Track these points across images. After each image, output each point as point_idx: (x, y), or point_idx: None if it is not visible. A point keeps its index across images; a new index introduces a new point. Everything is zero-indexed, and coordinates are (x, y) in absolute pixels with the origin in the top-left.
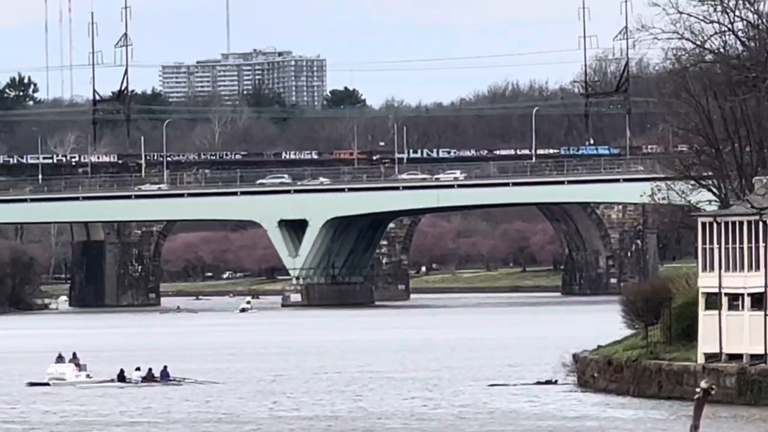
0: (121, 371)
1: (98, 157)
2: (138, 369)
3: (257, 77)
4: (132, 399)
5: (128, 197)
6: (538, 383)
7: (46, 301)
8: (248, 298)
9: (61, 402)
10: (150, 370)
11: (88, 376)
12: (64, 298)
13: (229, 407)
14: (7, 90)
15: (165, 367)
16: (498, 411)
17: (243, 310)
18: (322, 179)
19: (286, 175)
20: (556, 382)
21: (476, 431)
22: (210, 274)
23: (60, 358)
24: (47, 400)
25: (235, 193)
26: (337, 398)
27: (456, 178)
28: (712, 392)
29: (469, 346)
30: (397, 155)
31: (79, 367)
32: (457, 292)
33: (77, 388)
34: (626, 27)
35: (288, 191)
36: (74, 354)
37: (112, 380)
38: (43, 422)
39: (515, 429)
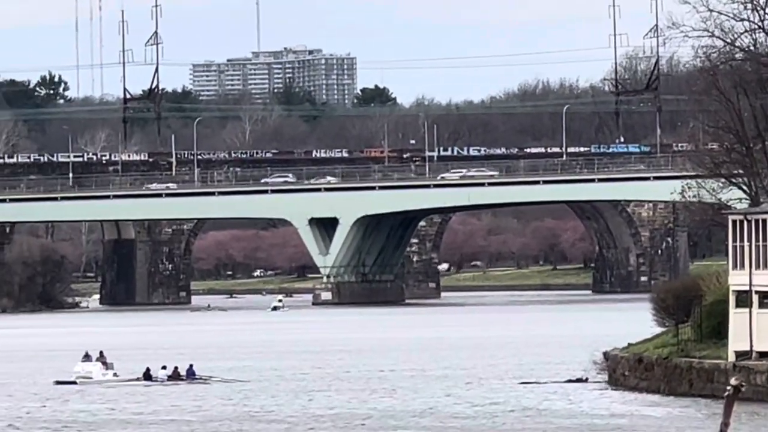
0: (147, 370)
1: (129, 156)
2: (164, 367)
3: (288, 75)
4: (164, 397)
5: (159, 195)
6: (569, 381)
7: (77, 299)
8: (280, 297)
9: (91, 400)
10: (176, 368)
11: (115, 374)
12: (96, 296)
13: (263, 405)
14: (37, 88)
15: (191, 365)
16: (529, 409)
17: (275, 308)
18: (329, 178)
19: (290, 175)
20: (586, 380)
21: (508, 429)
22: (230, 272)
23: (87, 357)
24: (78, 398)
25: (265, 191)
26: (370, 396)
27: (492, 176)
28: (743, 390)
29: (499, 344)
30: (427, 153)
31: (106, 365)
32: (487, 290)
33: (104, 387)
34: (656, 25)
35: (319, 189)
36: (101, 352)
37: (138, 379)
38: (79, 421)
39: (547, 427)
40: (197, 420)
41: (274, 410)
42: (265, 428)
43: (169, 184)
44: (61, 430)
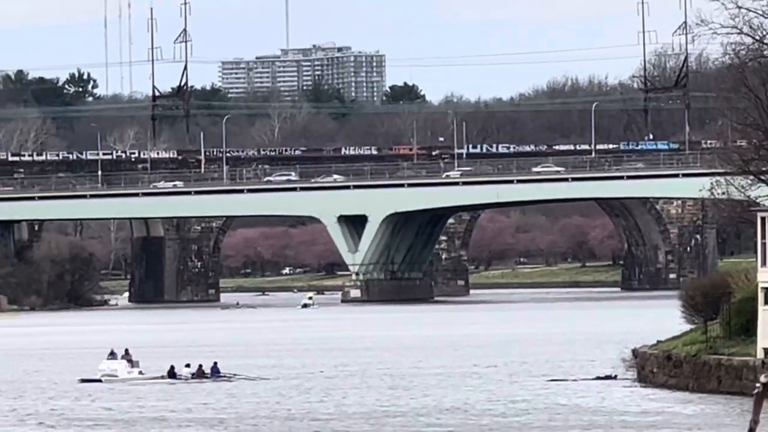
0: (172, 368)
1: (158, 153)
2: (188, 365)
3: (316, 73)
4: (193, 394)
5: (188, 193)
6: (598, 378)
7: (106, 297)
8: (310, 294)
9: (120, 398)
10: (200, 366)
11: (140, 372)
12: (125, 294)
13: (294, 403)
14: (66, 86)
15: (215, 363)
16: (559, 406)
17: (305, 305)
18: (335, 176)
19: (293, 173)
20: (615, 378)
21: (539, 426)
22: (251, 270)
23: (112, 355)
24: (107, 395)
25: (294, 189)
26: (400, 394)
27: (557, 172)
28: None
29: (528, 341)
30: (456, 150)
31: (132, 363)
32: (516, 287)
33: (128, 385)
34: (685, 22)
35: (347, 187)
36: (126, 350)
37: (163, 377)
38: (110, 419)
39: (577, 424)
40: (230, 418)
41: (305, 408)
42: (298, 426)
43: (176, 182)
44: (93, 428)
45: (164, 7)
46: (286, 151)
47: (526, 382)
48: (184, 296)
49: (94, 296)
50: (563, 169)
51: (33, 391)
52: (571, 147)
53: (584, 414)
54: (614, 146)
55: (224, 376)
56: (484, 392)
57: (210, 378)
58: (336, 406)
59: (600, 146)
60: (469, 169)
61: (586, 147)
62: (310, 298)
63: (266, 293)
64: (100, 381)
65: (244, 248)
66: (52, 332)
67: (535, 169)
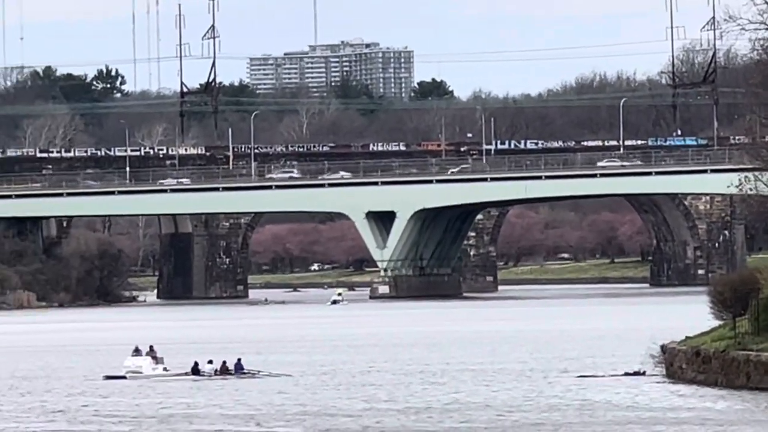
0: (195, 364)
1: (186, 150)
2: (210, 362)
3: (345, 69)
4: (223, 392)
5: (216, 189)
6: (627, 374)
7: (134, 293)
8: (340, 290)
9: (147, 394)
10: (224, 362)
11: (165, 369)
12: (154, 290)
13: (324, 399)
14: (94, 82)
15: (239, 359)
16: (588, 402)
17: (335, 302)
18: (342, 173)
19: (294, 170)
20: (644, 373)
21: (569, 422)
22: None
23: (137, 351)
24: (135, 392)
25: (322, 185)
26: (430, 390)
27: (622, 166)
28: None
29: (557, 338)
30: (484, 146)
31: (156, 359)
32: (544, 283)
33: (152, 381)
34: (713, 18)
35: (376, 183)
36: (151, 347)
37: (186, 373)
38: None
39: (606, 420)
40: (260, 414)
41: (336, 404)
42: (330, 422)
43: (182, 180)
44: (124, 424)
45: (192, 3)
46: (314, 147)
47: (556, 377)
48: (212, 292)
49: (123, 293)
50: (629, 163)
51: (61, 387)
52: (600, 143)
53: (614, 410)
54: (643, 142)
55: (248, 373)
56: (514, 389)
57: (234, 374)
58: (367, 401)
59: (628, 142)
60: (467, 166)
61: (614, 143)
62: (340, 294)
63: (297, 289)
64: (124, 378)
65: (273, 244)
66: (80, 329)
67: (600, 163)
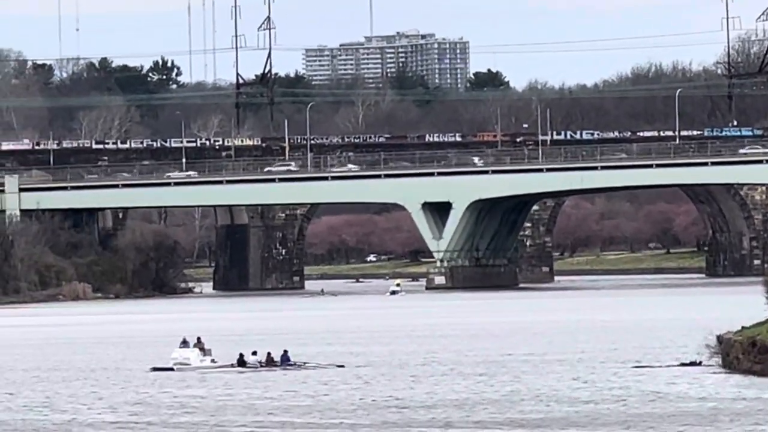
0: (241, 356)
1: (242, 141)
2: (254, 353)
3: (400, 60)
4: (279, 383)
5: (272, 180)
6: (683, 365)
7: (190, 284)
8: (398, 281)
9: (200, 386)
10: (269, 354)
11: (213, 360)
12: (211, 282)
13: (381, 391)
14: (150, 74)
15: (285, 351)
16: (646, 392)
17: (393, 292)
18: (350, 166)
19: (292, 163)
20: (700, 364)
21: (628, 413)
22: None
23: (185, 343)
24: (193, 383)
25: (378, 176)
26: (490, 381)
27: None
28: None
29: (613, 328)
30: (540, 137)
31: (204, 351)
32: (601, 274)
33: (199, 373)
34: None
35: (432, 173)
36: (199, 338)
37: (232, 365)
38: (198, 406)
39: (665, 411)
40: (317, 405)
41: (394, 395)
42: (387, 414)
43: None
44: (184, 415)
45: None
46: (370, 138)
47: (613, 368)
48: (268, 284)
49: (179, 284)
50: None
51: (114, 379)
52: (656, 133)
53: (672, 401)
54: (698, 132)
55: (294, 365)
56: (573, 379)
57: (279, 366)
58: (426, 393)
59: (684, 132)
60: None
61: (670, 133)
62: (398, 284)
63: (359, 280)
64: (172, 369)
65: (329, 235)
66: (135, 320)
67: (742, 151)
